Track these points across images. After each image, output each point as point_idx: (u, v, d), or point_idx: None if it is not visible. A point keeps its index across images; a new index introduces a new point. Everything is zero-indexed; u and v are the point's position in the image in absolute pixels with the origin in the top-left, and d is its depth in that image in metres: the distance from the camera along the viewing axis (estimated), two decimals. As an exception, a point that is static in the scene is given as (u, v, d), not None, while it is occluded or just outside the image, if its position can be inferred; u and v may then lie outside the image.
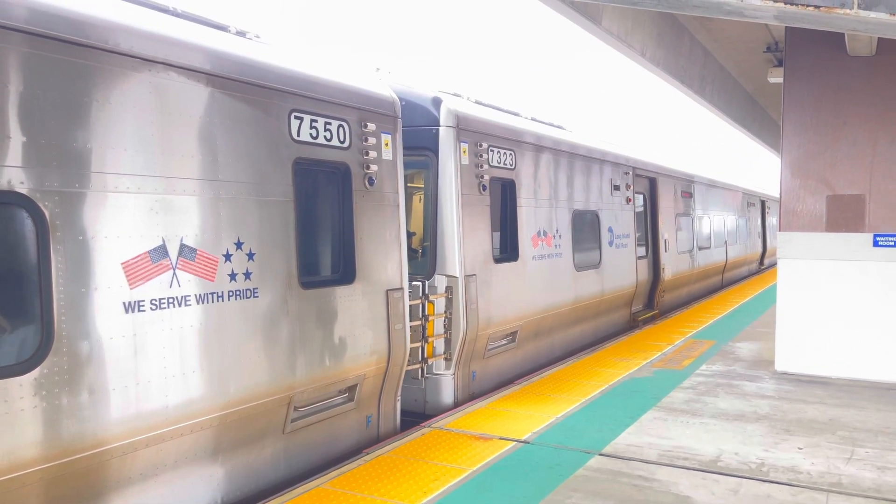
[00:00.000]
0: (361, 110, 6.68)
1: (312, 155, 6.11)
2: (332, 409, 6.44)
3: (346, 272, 6.54)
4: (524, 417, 7.41)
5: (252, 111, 5.49)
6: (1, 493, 3.81)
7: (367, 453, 6.38)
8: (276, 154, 5.71)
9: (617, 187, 13.35)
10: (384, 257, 6.94)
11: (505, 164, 9.28)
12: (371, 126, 6.75)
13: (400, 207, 7.20)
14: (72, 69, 4.24)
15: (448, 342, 8.27)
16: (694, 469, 5.95)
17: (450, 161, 8.19)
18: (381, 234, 6.91)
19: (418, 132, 8.27)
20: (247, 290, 5.41)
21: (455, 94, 9.20)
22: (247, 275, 5.42)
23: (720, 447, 6.49)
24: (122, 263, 4.48)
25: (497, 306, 8.98)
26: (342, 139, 6.45)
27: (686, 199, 18.37)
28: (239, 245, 5.36)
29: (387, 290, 6.96)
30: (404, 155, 8.29)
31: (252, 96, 5.50)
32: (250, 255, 5.45)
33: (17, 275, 4.05)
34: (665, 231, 16.25)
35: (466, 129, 8.43)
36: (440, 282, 8.21)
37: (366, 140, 6.70)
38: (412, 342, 7.82)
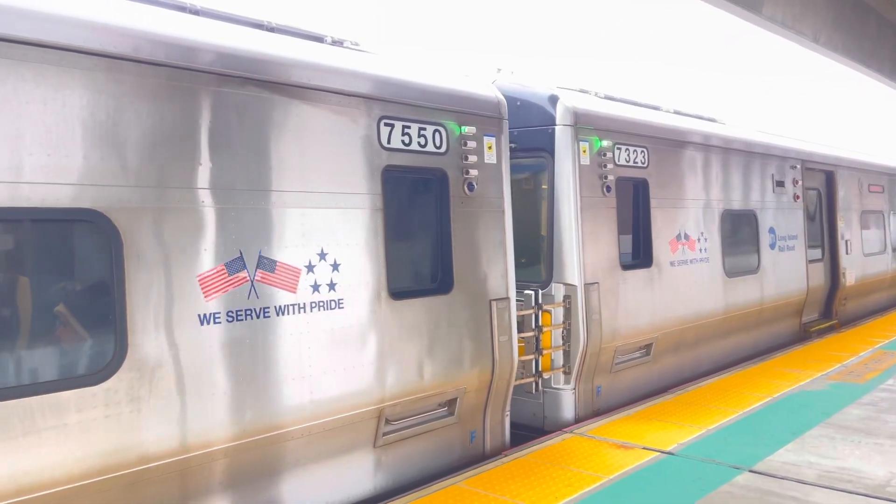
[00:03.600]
0: (460, 113, 6.43)
1: (404, 162, 5.96)
2: (429, 423, 6.24)
3: (443, 282, 6.32)
4: (673, 428, 7.12)
5: (337, 120, 5.43)
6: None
7: (506, 455, 6.55)
8: (364, 162, 5.61)
9: (781, 183, 12.04)
10: (487, 265, 6.64)
11: (635, 162, 8.61)
12: (470, 129, 6.48)
13: (506, 213, 6.87)
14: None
15: (567, 355, 7.79)
16: (857, 493, 5.35)
17: (567, 162, 7.72)
18: (483, 242, 6.61)
19: (534, 132, 7.88)
20: (331, 301, 5.35)
21: (581, 91, 8.69)
22: (331, 286, 5.36)
23: (893, 471, 5.71)
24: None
25: (626, 316, 8.34)
26: (438, 144, 6.24)
27: (876, 194, 16.27)
28: (323, 256, 5.31)
29: (490, 300, 6.65)
30: (521, 157, 7.96)
31: (337, 105, 5.43)
32: (335, 266, 5.38)
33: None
34: (846, 231, 14.46)
35: (587, 126, 7.91)
36: (557, 290, 7.76)
37: (465, 144, 6.44)
38: (525, 354, 7.45)
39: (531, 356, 7.46)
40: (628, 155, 8.50)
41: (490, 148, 6.74)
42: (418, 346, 6.00)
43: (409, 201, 6.22)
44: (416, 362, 5.98)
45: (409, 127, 5.98)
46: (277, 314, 5.01)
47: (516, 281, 7.93)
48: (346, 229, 5.48)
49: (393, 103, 5.86)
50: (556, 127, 7.72)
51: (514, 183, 8.24)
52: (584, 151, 7.87)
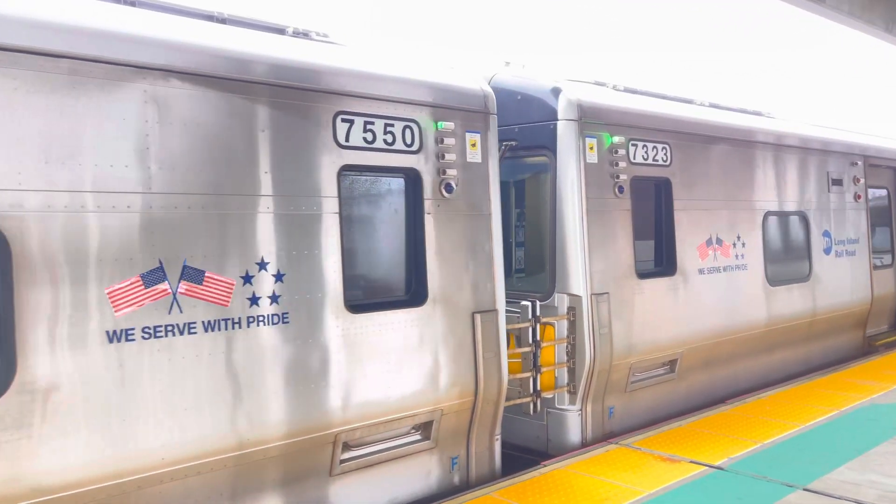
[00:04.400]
0: (436, 108, 5.85)
1: (367, 161, 5.41)
2: (400, 448, 5.67)
3: (416, 293, 5.74)
4: (725, 441, 6.86)
5: (280, 116, 4.93)
6: None
7: (545, 465, 6.40)
8: (315, 162, 5.10)
9: (838, 181, 10.93)
10: (469, 274, 6.03)
11: (655, 159, 7.82)
12: (448, 125, 5.88)
13: (493, 217, 6.23)
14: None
15: (572, 372, 7.07)
16: (922, 516, 4.89)
17: (570, 160, 7.02)
18: (464, 248, 6.00)
19: (535, 128, 7.21)
20: (273, 315, 4.86)
21: (597, 84, 7.96)
22: (273, 298, 4.86)
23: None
24: None
25: (643, 330, 7.56)
26: (409, 142, 5.67)
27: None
28: (263, 265, 4.82)
29: (473, 313, 6.03)
30: (522, 156, 7.32)
31: (281, 100, 4.94)
32: (279, 277, 4.88)
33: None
34: (920, 233, 13.10)
35: (594, 121, 7.18)
36: (561, 301, 7.06)
37: (441, 142, 5.85)
38: (522, 371, 6.78)
39: (527, 374, 6.79)
40: (646, 152, 7.71)
41: (474, 145, 6.12)
42: (383, 363, 5.44)
43: (375, 204, 5.67)
44: (381, 382, 5.42)
45: (371, 123, 5.44)
46: (206, 330, 4.54)
47: (518, 291, 7.34)
48: (292, 236, 4.97)
49: (352, 97, 5.33)
50: (558, 122, 7.03)
51: (515, 184, 7.62)
52: (591, 148, 7.15)
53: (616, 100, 7.65)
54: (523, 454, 7.41)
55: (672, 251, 8.02)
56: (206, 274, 4.55)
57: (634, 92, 8.30)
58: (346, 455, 5.34)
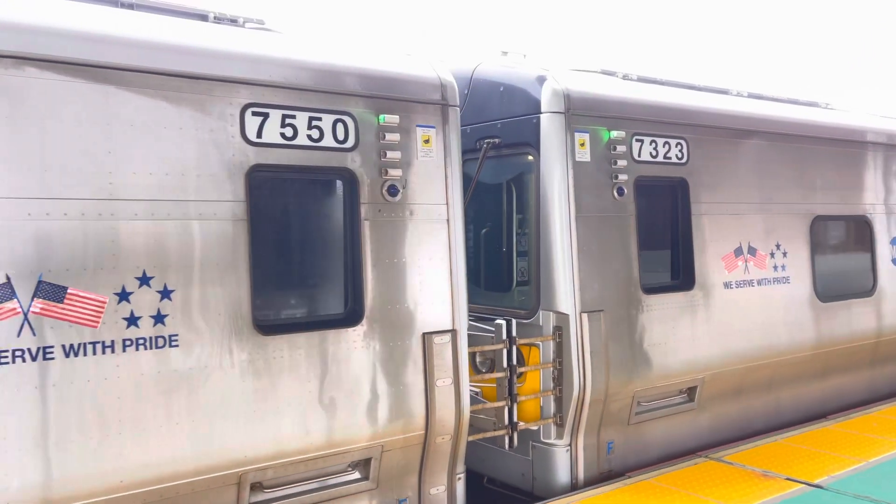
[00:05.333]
0: (377, 99, 5.11)
1: (286, 161, 4.73)
2: (331, 489, 4.93)
3: (352, 311, 5.01)
4: (826, 458, 6.56)
5: (168, 109, 4.31)
6: None
7: (630, 476, 6.22)
8: (215, 162, 4.45)
9: (911, 182, 9.48)
10: (419, 289, 5.24)
11: (668, 157, 6.80)
12: (392, 119, 5.12)
13: (452, 223, 5.43)
14: None
15: (559, 401, 6.15)
16: None
17: (556, 158, 6.11)
18: (413, 259, 5.23)
19: (518, 123, 6.35)
20: (157, 337, 4.23)
21: (604, 73, 7.03)
22: (158, 318, 4.23)
23: None
24: None
25: (651, 353, 6.54)
26: (341, 138, 4.95)
27: None
28: (145, 280, 4.20)
29: (424, 334, 5.24)
30: (505, 154, 6.49)
31: (172, 91, 4.32)
32: (165, 293, 4.25)
33: None
34: None
35: (586, 113, 6.25)
36: (546, 320, 6.16)
37: (383, 138, 5.10)
38: (497, 399, 5.93)
39: (501, 403, 5.92)
40: (655, 148, 6.70)
41: (427, 142, 5.34)
42: (303, 392, 4.72)
43: (300, 210, 4.98)
44: (299, 413, 4.71)
45: (292, 117, 4.75)
46: (67, 355, 3.95)
47: (503, 308, 6.50)
48: (184, 246, 4.34)
49: (266, 87, 4.66)
50: (542, 115, 6.14)
51: (500, 187, 6.79)
52: (583, 145, 6.22)
53: (616, 89, 6.68)
54: (511, 493, 6.56)
55: (689, 262, 6.95)
56: (70, 291, 3.97)
57: (651, 81, 7.30)
58: (259, 498, 4.65)
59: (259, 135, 4.63)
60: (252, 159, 4.59)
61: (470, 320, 6.56)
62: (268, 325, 4.66)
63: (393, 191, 5.13)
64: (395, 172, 5.13)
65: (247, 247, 4.53)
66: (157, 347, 4.22)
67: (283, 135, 4.72)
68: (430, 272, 5.30)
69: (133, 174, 4.18)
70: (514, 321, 5.94)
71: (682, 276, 6.96)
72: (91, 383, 4.01)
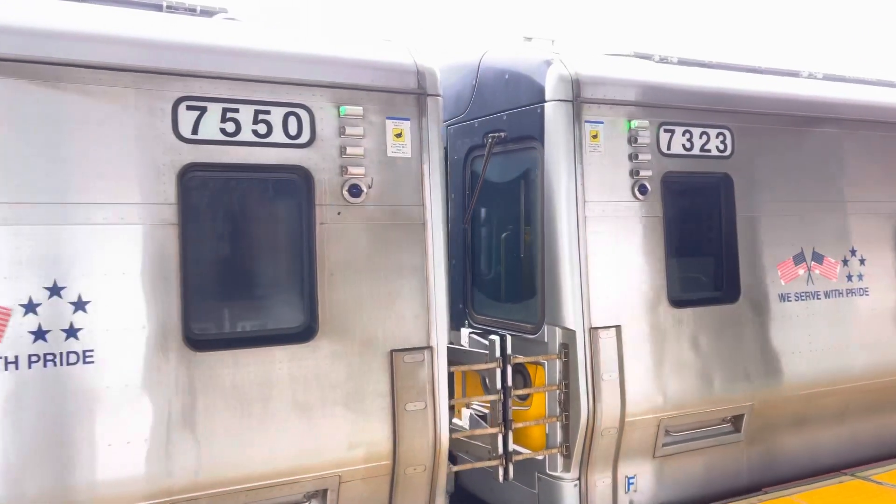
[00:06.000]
0: (338, 88, 4.59)
1: (223, 158, 4.29)
2: (280, 523, 4.45)
3: (304, 324, 4.50)
4: None
5: (90, 104, 3.96)
6: None
7: (766, 492, 5.92)
8: (141, 161, 4.07)
9: None
10: (387, 302, 4.67)
11: (706, 149, 5.89)
12: (354, 110, 4.59)
13: (429, 227, 4.83)
14: None
15: (566, 429, 5.41)
16: None
17: (562, 152, 5.38)
18: (381, 267, 4.66)
19: (522, 114, 5.66)
20: (70, 353, 3.88)
21: (639, 56, 6.21)
22: (70, 332, 3.89)
23: None
24: None
25: (681, 374, 5.67)
26: (294, 133, 4.47)
27: None
28: (56, 290, 3.87)
29: (392, 351, 4.67)
30: (511, 149, 5.83)
31: (92, 85, 3.97)
32: (79, 305, 3.91)
33: None
34: None
35: (601, 101, 5.47)
36: (551, 336, 5.43)
37: (344, 132, 4.57)
38: (491, 425, 5.27)
39: (497, 429, 5.24)
40: (689, 140, 5.82)
41: (399, 136, 4.77)
42: (243, 415, 4.26)
43: (242, 212, 4.51)
44: (239, 438, 4.25)
45: (234, 110, 4.31)
46: (-39, 371, 3.67)
47: (514, 321, 5.84)
48: (103, 253, 3.97)
49: (204, 79, 4.24)
50: (546, 104, 5.42)
51: (506, 186, 6.12)
52: (595, 136, 5.45)
53: (641, 73, 5.84)
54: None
55: (733, 271, 6.01)
56: (-32, 301, 3.69)
57: (695, 64, 6.40)
58: (192, 533, 4.23)
59: (195, 131, 4.21)
60: (185, 158, 4.18)
61: (476, 334, 5.97)
62: (203, 340, 4.23)
63: (355, 191, 4.59)
64: (358, 171, 4.59)
65: (177, 254, 4.12)
66: (69, 364, 3.88)
67: (223, 130, 4.29)
68: (400, 282, 4.72)
69: (46, 175, 3.85)
70: (508, 337, 5.25)
71: (724, 286, 6.02)
72: (-10, 402, 3.70)
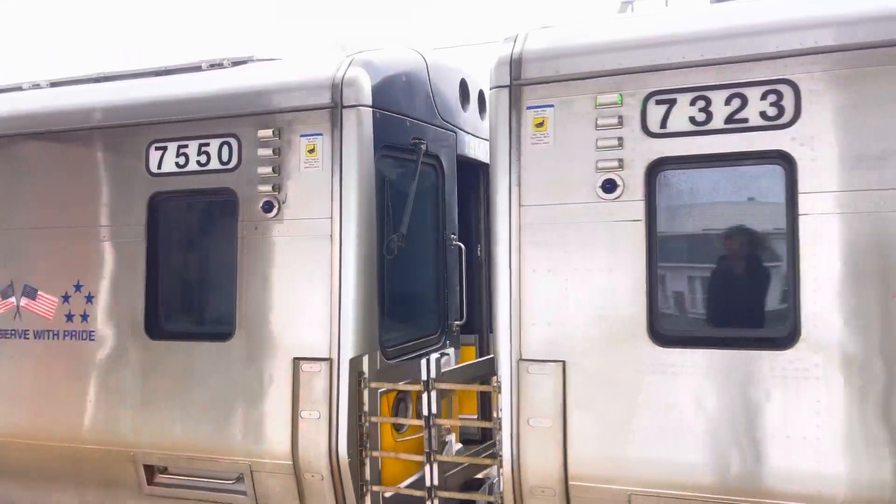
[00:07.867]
0: (260, 115, 5.09)
1: (176, 187, 5.32)
2: (218, 492, 5.21)
3: (226, 325, 5.16)
4: None
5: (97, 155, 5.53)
6: None
7: None
8: (123, 192, 5.45)
9: None
10: (292, 310, 4.94)
11: (737, 118, 4.03)
12: (264, 133, 5.01)
13: (339, 239, 4.86)
14: None
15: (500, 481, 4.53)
16: None
17: (498, 148, 4.53)
18: (286, 277, 4.96)
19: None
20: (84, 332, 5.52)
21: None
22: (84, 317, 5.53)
23: None
24: None
25: (662, 439, 4.06)
26: (225, 160, 5.19)
27: None
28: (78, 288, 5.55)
29: (294, 358, 4.91)
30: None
31: (99, 138, 5.54)
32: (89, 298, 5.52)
33: None
34: None
35: (550, 79, 4.37)
36: (500, 364, 4.63)
37: (256, 154, 5.05)
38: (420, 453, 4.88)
39: (419, 457, 4.78)
40: (707, 107, 4.08)
41: (311, 151, 4.96)
42: (180, 394, 5.20)
43: (187, 231, 5.41)
44: (178, 411, 5.19)
45: (185, 146, 5.29)
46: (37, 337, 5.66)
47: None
48: (104, 261, 5.49)
49: (166, 124, 5.34)
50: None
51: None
52: (541, 125, 4.40)
53: (612, 32, 4.33)
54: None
55: (794, 295, 3.91)
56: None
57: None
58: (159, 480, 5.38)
59: (159, 166, 5.37)
60: (152, 188, 5.37)
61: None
62: (157, 331, 5.34)
63: (267, 207, 5.01)
64: (264, 188, 5.00)
65: (143, 264, 5.35)
66: (80, 340, 5.53)
67: (177, 164, 5.32)
68: (305, 293, 4.91)
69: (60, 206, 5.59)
70: (434, 359, 4.73)
71: (766, 322, 3.98)
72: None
